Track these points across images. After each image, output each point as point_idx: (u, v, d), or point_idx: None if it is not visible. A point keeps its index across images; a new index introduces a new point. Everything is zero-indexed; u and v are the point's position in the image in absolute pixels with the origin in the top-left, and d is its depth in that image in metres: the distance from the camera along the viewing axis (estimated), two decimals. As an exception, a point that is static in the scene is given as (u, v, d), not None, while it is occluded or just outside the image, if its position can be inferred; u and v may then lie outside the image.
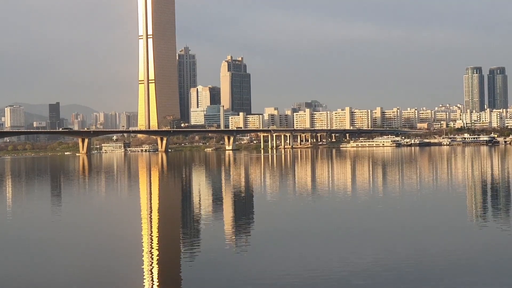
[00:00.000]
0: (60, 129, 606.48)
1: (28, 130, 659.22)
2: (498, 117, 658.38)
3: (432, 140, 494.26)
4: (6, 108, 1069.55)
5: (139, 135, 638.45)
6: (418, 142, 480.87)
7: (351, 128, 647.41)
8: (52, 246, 41.77)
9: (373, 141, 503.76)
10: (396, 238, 41.44)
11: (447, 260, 33.02)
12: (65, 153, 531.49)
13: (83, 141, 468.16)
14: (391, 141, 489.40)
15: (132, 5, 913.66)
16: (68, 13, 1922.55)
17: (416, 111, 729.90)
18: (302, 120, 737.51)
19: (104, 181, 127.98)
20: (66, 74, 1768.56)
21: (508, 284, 27.74)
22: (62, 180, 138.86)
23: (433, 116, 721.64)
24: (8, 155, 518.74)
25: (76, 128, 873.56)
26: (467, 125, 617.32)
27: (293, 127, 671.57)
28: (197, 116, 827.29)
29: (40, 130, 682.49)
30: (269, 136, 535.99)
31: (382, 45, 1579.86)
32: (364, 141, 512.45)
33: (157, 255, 37.26)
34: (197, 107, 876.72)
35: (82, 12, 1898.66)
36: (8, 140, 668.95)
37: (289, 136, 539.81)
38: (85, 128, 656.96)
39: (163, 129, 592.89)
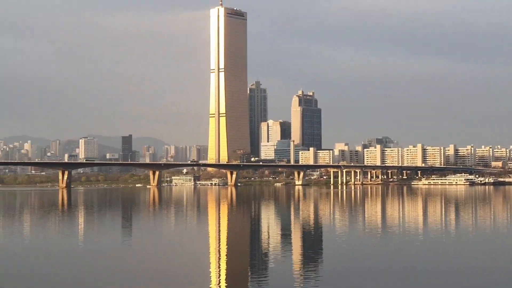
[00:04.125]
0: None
1: (101, 162, 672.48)
2: None
3: (507, 179, 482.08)
4: (80, 140, 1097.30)
5: (209, 169, 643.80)
6: (492, 181, 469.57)
7: (423, 165, 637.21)
8: (121, 276, 42.16)
9: (445, 179, 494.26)
10: (466, 281, 40.31)
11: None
12: (136, 185, 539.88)
13: (154, 174, 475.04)
14: (465, 179, 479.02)
15: (204, 39, 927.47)
16: (140, 45, 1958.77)
17: (490, 149, 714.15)
18: (372, 156, 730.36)
19: (174, 213, 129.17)
20: (138, 106, 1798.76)
21: None
22: (133, 212, 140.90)
23: (508, 154, 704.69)
24: (81, 185, 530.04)
25: (147, 160, 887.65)
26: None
27: (364, 163, 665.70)
28: (267, 151, 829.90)
29: (112, 162, 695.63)
30: (339, 172, 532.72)
31: (455, 80, 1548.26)
32: (437, 179, 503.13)
33: (225, 291, 37.16)
34: (268, 141, 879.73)
35: (154, 44, 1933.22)
36: (82, 171, 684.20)
37: (359, 172, 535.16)
38: (156, 161, 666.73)
39: (233, 163, 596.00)
